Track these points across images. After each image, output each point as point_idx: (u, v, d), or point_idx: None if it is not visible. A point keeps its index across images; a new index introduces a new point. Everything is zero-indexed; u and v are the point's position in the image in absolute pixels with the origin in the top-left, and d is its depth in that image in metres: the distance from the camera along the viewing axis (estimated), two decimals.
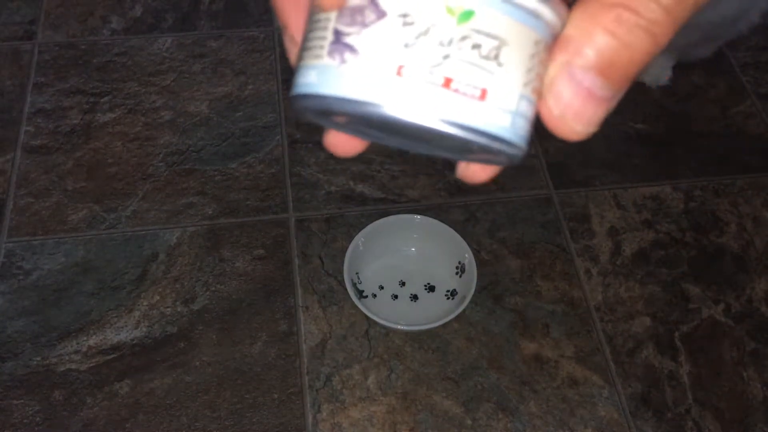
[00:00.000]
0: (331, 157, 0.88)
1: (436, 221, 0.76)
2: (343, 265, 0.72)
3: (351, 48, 0.16)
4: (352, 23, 0.16)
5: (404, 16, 0.16)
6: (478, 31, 0.16)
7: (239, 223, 0.82)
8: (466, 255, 0.74)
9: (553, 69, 0.17)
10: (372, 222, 0.76)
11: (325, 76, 0.16)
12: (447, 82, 0.16)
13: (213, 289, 0.77)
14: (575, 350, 0.74)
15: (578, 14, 0.17)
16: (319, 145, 0.89)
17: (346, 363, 0.72)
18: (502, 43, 0.16)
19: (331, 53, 0.17)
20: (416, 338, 0.74)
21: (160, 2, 1.04)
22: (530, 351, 0.74)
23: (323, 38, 0.17)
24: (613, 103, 0.17)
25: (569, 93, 0.17)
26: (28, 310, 0.74)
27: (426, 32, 0.16)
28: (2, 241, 0.79)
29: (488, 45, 0.16)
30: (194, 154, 0.87)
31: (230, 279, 0.77)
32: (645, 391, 0.72)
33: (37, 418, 0.68)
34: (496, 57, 0.16)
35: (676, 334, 0.76)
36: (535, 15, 0.16)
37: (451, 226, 0.75)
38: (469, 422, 0.69)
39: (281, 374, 0.71)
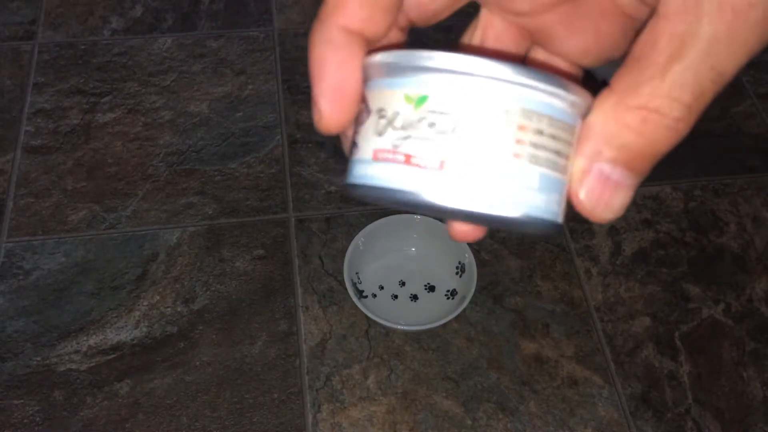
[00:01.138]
0: (332, 156, 0.88)
1: (436, 221, 0.76)
2: (343, 265, 0.72)
3: (355, 144, 0.20)
4: (357, 124, 0.20)
5: (380, 110, 0.19)
6: (433, 111, 0.18)
7: (239, 223, 0.82)
8: (466, 255, 0.74)
9: (581, 163, 0.18)
10: (372, 222, 0.76)
11: (347, 168, 0.20)
12: (407, 159, 0.18)
13: (213, 289, 0.77)
14: (575, 350, 0.74)
15: (605, 109, 0.18)
16: (319, 145, 0.89)
17: (346, 363, 0.72)
18: (458, 116, 0.17)
19: (349, 149, 0.21)
20: (416, 338, 0.74)
21: (160, 2, 1.04)
22: (530, 351, 0.74)
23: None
24: (637, 186, 0.19)
25: (599, 188, 0.18)
26: (28, 309, 0.74)
27: (392, 120, 0.18)
28: (2, 240, 0.79)
29: (443, 121, 0.17)
30: (194, 154, 0.87)
31: (230, 279, 0.77)
32: (645, 391, 0.72)
33: (37, 418, 0.68)
34: (454, 130, 0.17)
35: (676, 333, 0.76)
36: (498, 87, 0.17)
37: None
38: (469, 422, 0.69)
39: (281, 374, 0.71)
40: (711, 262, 0.81)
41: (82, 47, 0.98)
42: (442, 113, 0.18)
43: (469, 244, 0.74)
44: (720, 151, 0.91)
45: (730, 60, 0.17)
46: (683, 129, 0.17)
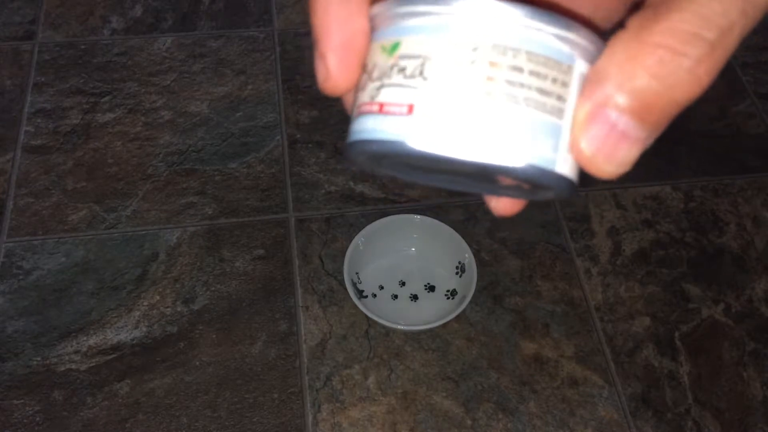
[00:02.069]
0: (332, 156, 0.88)
1: (436, 221, 0.76)
2: (343, 265, 0.72)
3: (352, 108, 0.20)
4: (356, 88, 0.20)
5: (365, 66, 0.18)
6: (403, 56, 0.17)
7: (239, 223, 0.82)
8: (466, 255, 0.74)
9: (585, 107, 0.16)
10: (372, 222, 0.76)
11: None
12: (381, 107, 0.17)
13: (213, 289, 0.77)
14: (575, 350, 0.74)
15: (617, 50, 0.16)
16: (319, 145, 0.89)
17: (346, 363, 0.72)
18: (425, 59, 0.17)
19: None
20: (416, 338, 0.74)
21: (160, 2, 1.04)
22: (530, 351, 0.74)
23: None
24: (649, 143, 0.17)
25: (602, 135, 0.16)
26: (28, 309, 0.74)
27: (371, 73, 0.18)
28: (2, 240, 0.79)
29: (412, 65, 0.17)
30: (194, 154, 0.87)
31: (230, 279, 0.77)
32: (645, 391, 0.72)
33: (37, 418, 0.68)
34: (421, 73, 0.17)
35: (676, 334, 0.76)
36: (465, 22, 0.17)
37: (451, 226, 0.75)
38: (469, 422, 0.69)
39: (281, 374, 0.71)
40: (711, 262, 0.81)
41: (82, 47, 0.98)
42: (410, 57, 0.17)
43: (469, 245, 0.74)
44: (720, 151, 0.91)
45: None
46: (704, 73, 0.15)
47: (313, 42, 0.18)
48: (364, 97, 0.18)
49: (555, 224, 0.83)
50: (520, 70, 0.16)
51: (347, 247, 0.74)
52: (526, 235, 0.82)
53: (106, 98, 0.92)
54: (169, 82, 0.94)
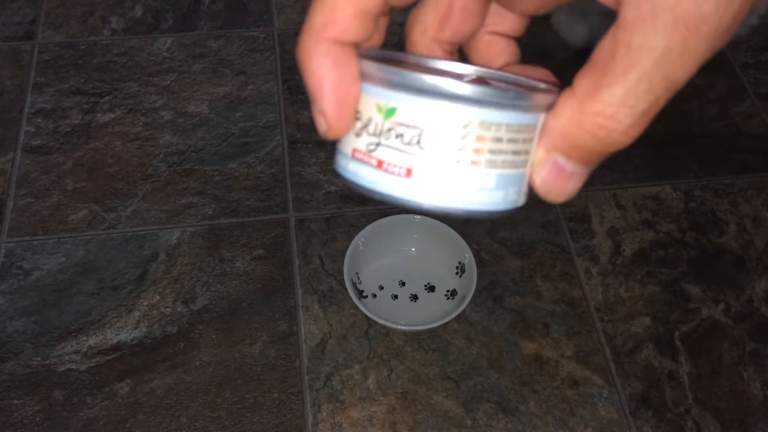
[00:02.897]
0: (332, 156, 0.88)
1: (436, 221, 0.76)
2: (343, 265, 0.72)
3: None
4: None
5: (358, 113, 0.21)
6: (401, 124, 0.20)
7: (239, 223, 0.82)
8: (466, 255, 0.74)
9: (540, 155, 0.21)
10: (372, 222, 0.76)
11: (334, 152, 0.23)
12: (379, 164, 0.20)
13: (213, 289, 0.77)
14: (575, 350, 0.74)
15: (566, 112, 0.19)
16: (319, 145, 0.89)
17: (346, 363, 0.72)
18: (421, 131, 0.20)
19: None
20: (416, 338, 0.74)
21: (160, 2, 1.04)
22: (530, 351, 0.74)
23: None
24: (588, 175, 0.21)
25: (553, 177, 0.21)
26: (28, 310, 0.74)
27: (366, 125, 0.21)
28: (2, 240, 0.79)
29: (409, 133, 0.20)
30: (194, 154, 0.87)
31: (230, 279, 0.77)
32: (645, 391, 0.72)
33: (37, 418, 0.68)
34: (418, 142, 0.20)
35: (676, 334, 0.76)
36: (460, 104, 0.19)
37: (451, 226, 0.75)
38: (469, 422, 0.69)
39: (281, 374, 0.71)
40: (711, 262, 0.81)
41: (82, 47, 0.98)
42: (408, 126, 0.20)
43: (469, 245, 0.74)
44: (720, 151, 0.91)
45: (682, 69, 0.18)
46: (635, 134, 0.19)
47: (310, 99, 0.21)
48: (359, 144, 0.21)
49: (555, 224, 0.83)
50: (500, 140, 0.20)
51: (347, 247, 0.74)
52: (526, 235, 0.82)
53: (106, 98, 0.92)
54: (169, 82, 0.94)
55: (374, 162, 0.21)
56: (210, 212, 0.82)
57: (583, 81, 0.19)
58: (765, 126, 0.94)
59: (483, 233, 0.82)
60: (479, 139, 0.20)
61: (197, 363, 0.72)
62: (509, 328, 0.75)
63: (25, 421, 0.67)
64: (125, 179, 0.85)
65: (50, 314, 0.74)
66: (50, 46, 0.97)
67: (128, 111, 0.91)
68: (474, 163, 0.20)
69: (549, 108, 0.20)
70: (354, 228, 0.80)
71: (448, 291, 0.76)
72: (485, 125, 0.20)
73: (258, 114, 0.92)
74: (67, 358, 0.71)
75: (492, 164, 0.20)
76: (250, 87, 0.94)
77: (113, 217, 0.82)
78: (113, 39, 0.99)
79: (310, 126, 0.90)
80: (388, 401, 0.70)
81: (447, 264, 0.76)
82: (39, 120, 0.89)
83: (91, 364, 0.71)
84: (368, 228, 0.75)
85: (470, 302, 0.71)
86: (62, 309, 0.74)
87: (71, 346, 0.72)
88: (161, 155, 0.87)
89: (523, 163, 0.21)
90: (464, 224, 0.82)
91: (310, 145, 0.89)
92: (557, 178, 0.21)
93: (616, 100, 0.18)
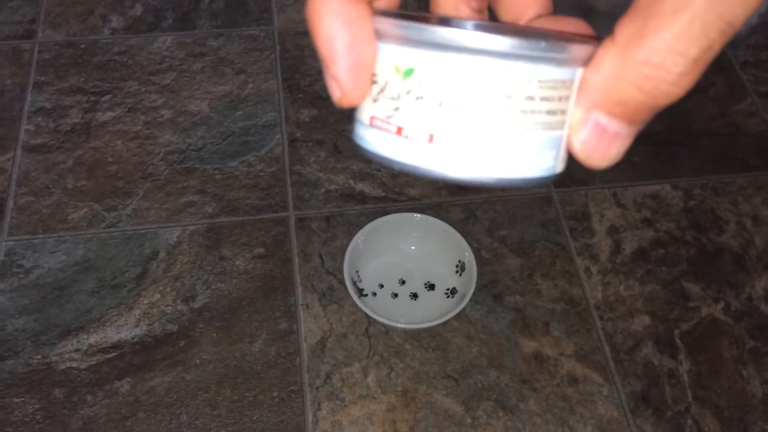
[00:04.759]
0: (332, 155, 0.88)
1: (436, 220, 0.76)
2: (343, 264, 0.72)
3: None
4: None
5: (374, 76, 0.19)
6: (420, 85, 0.18)
7: (239, 222, 0.82)
8: (466, 253, 0.74)
9: (578, 114, 0.18)
10: (372, 220, 0.76)
11: (353, 122, 0.21)
12: (399, 130, 0.18)
13: (213, 287, 0.77)
14: (575, 348, 0.74)
15: (606, 63, 0.17)
16: (319, 143, 0.89)
17: (346, 361, 0.72)
18: (442, 92, 0.18)
19: None
20: (416, 336, 0.74)
21: (160, 1, 1.04)
22: (530, 349, 0.74)
23: None
24: (635, 135, 0.19)
25: (595, 139, 0.18)
26: (29, 308, 0.74)
27: (384, 89, 0.19)
28: (3, 239, 0.79)
29: (430, 95, 0.18)
30: (194, 153, 0.88)
31: (230, 277, 0.77)
32: (645, 389, 0.72)
33: (38, 416, 0.68)
34: (440, 104, 0.18)
35: (676, 332, 0.76)
36: (484, 59, 0.17)
37: (451, 225, 0.76)
38: (469, 420, 0.69)
39: (281, 372, 0.71)
40: (711, 260, 0.81)
41: (83, 46, 0.98)
42: (428, 87, 0.18)
43: (469, 243, 0.74)
44: (720, 149, 0.91)
45: (741, 7, 0.16)
46: (687, 84, 0.17)
47: (322, 64, 0.19)
48: (377, 111, 0.19)
49: (555, 223, 0.83)
50: (532, 99, 0.18)
51: (347, 246, 0.74)
52: (526, 234, 0.82)
53: (107, 97, 0.92)
54: (169, 81, 0.94)
55: (393, 129, 0.19)
56: (210, 211, 0.82)
57: (625, 28, 0.17)
58: (765, 124, 0.94)
59: (483, 232, 0.82)
60: (508, 98, 0.18)
61: (197, 361, 0.72)
62: (509, 326, 0.75)
63: (25, 419, 0.68)
64: (125, 178, 0.85)
65: (51, 313, 0.74)
66: (50, 44, 0.98)
67: (128, 110, 0.91)
68: (503, 126, 0.18)
69: (587, 62, 0.18)
70: (354, 226, 0.81)
71: (448, 289, 0.76)
72: (514, 82, 0.17)
73: (258, 113, 0.92)
74: (67, 356, 0.71)
75: (524, 126, 0.18)
76: (250, 86, 0.94)
77: (113, 215, 0.82)
78: (113, 38, 0.99)
79: (310, 125, 0.91)
80: (388, 399, 0.70)
81: (447, 262, 0.76)
82: (39, 119, 0.89)
83: (92, 363, 0.71)
84: (368, 226, 0.75)
85: (470, 300, 0.71)
86: (63, 307, 0.74)
87: (72, 345, 0.72)
88: (161, 154, 0.87)
89: (560, 125, 0.19)
90: (464, 222, 0.82)
91: (310, 143, 0.89)
92: (599, 140, 0.18)
93: (664, 46, 0.16)
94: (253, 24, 1.02)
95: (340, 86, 0.19)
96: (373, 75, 0.19)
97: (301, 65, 0.97)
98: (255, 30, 1.01)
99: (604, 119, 0.18)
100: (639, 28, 0.16)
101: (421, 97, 0.18)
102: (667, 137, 0.92)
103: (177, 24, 1.01)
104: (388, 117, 0.19)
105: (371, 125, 0.19)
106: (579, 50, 0.18)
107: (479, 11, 0.22)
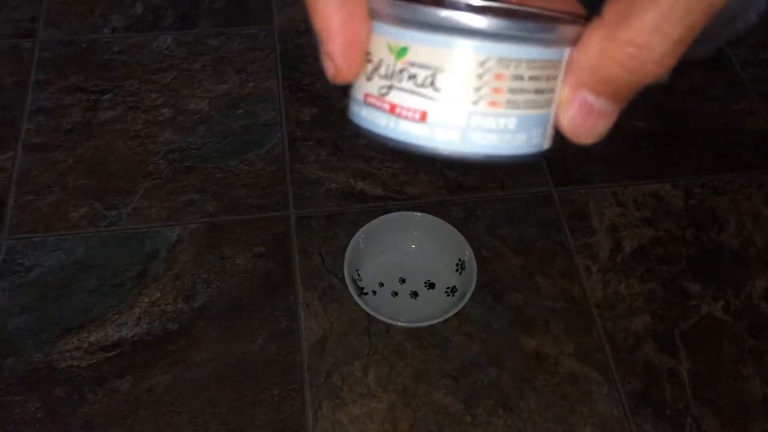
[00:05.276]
0: (332, 154, 0.88)
1: (436, 218, 0.76)
2: (343, 262, 0.73)
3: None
4: None
5: (368, 54, 0.20)
6: (413, 64, 0.19)
7: (240, 221, 0.82)
8: (467, 252, 0.74)
9: (566, 93, 0.19)
10: (372, 219, 0.76)
11: (348, 99, 0.21)
12: (392, 108, 0.19)
13: (213, 286, 0.77)
14: (575, 347, 0.74)
15: (592, 42, 0.18)
16: (320, 142, 0.89)
17: (346, 360, 0.72)
18: (435, 71, 0.18)
19: None
20: (416, 335, 0.74)
21: (160, 0, 1.04)
22: (530, 348, 0.74)
23: None
24: (620, 113, 0.19)
25: (582, 116, 0.19)
26: (29, 306, 0.74)
27: (377, 67, 0.19)
28: (3, 238, 0.79)
29: (422, 74, 0.18)
30: (195, 152, 0.88)
31: (231, 276, 0.77)
32: (645, 388, 0.72)
33: (38, 415, 0.68)
34: (432, 83, 0.18)
35: (676, 331, 0.76)
36: (475, 39, 0.18)
37: (451, 224, 0.76)
38: (469, 419, 0.69)
39: (282, 371, 0.71)
40: (711, 259, 0.81)
41: (83, 45, 0.98)
42: (420, 66, 0.18)
43: (469, 242, 0.74)
44: (720, 148, 0.91)
45: None
46: (669, 64, 0.17)
47: (317, 41, 0.19)
48: (371, 88, 0.20)
49: (555, 221, 0.83)
50: (521, 78, 0.18)
51: (347, 245, 0.74)
52: (526, 233, 0.82)
53: (107, 96, 0.92)
54: (169, 80, 0.94)
55: (387, 107, 0.19)
56: (210, 209, 0.83)
57: (612, 8, 0.17)
58: (765, 123, 0.94)
59: (483, 230, 0.82)
60: (498, 77, 0.18)
61: (198, 360, 0.72)
62: (509, 325, 0.75)
63: (26, 417, 0.68)
64: (126, 177, 0.85)
65: (51, 311, 0.74)
66: (51, 43, 0.98)
67: (129, 109, 0.91)
68: (493, 104, 0.19)
69: (575, 42, 0.19)
70: (354, 225, 0.81)
71: (448, 288, 0.76)
72: (504, 62, 0.18)
73: (258, 111, 0.92)
74: (68, 354, 0.71)
75: (513, 105, 0.19)
76: (250, 85, 0.95)
77: (114, 214, 0.82)
78: (114, 37, 0.99)
79: (311, 123, 0.91)
80: (388, 398, 0.70)
81: (447, 261, 0.76)
82: (40, 118, 0.90)
83: (92, 361, 0.71)
84: (368, 225, 0.75)
85: (470, 299, 0.71)
86: (63, 306, 0.75)
87: (72, 343, 0.72)
88: (162, 153, 0.87)
89: (548, 103, 0.19)
90: (464, 221, 0.82)
91: (310, 142, 0.89)
92: (586, 118, 0.19)
93: (649, 26, 0.16)
94: (253, 23, 1.02)
95: (335, 63, 0.19)
96: (368, 53, 0.20)
97: (301, 64, 0.97)
98: (255, 29, 1.01)
99: (590, 98, 0.19)
100: (625, 9, 0.17)
101: (414, 76, 0.19)
102: (667, 136, 0.92)
103: (177, 23, 1.01)
104: (382, 95, 0.19)
105: (365, 103, 0.20)
106: (567, 31, 0.18)
107: None
